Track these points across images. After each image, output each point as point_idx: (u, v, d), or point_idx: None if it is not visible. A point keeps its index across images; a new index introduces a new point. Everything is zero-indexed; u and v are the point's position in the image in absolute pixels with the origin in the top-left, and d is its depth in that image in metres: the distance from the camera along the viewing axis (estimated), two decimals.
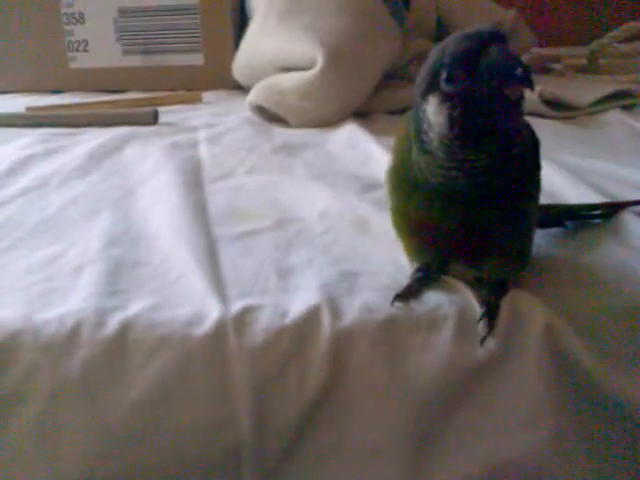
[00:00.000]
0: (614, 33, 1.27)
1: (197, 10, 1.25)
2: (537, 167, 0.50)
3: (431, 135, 0.45)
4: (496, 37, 0.43)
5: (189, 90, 1.24)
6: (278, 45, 1.01)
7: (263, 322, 0.48)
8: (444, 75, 0.43)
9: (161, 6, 1.26)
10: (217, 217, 0.65)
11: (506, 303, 0.49)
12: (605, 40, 1.28)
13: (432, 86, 0.45)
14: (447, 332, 0.48)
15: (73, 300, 0.51)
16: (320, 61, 0.93)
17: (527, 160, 0.47)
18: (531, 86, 0.41)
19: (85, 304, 0.50)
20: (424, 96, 0.45)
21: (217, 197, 0.70)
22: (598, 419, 0.49)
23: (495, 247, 0.49)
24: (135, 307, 0.50)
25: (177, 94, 1.19)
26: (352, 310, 0.49)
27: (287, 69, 0.99)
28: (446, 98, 0.44)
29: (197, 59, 1.28)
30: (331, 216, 0.65)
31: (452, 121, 0.44)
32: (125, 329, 0.48)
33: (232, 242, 0.60)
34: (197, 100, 1.17)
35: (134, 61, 1.30)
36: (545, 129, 0.91)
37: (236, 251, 0.59)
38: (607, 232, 0.60)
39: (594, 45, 1.31)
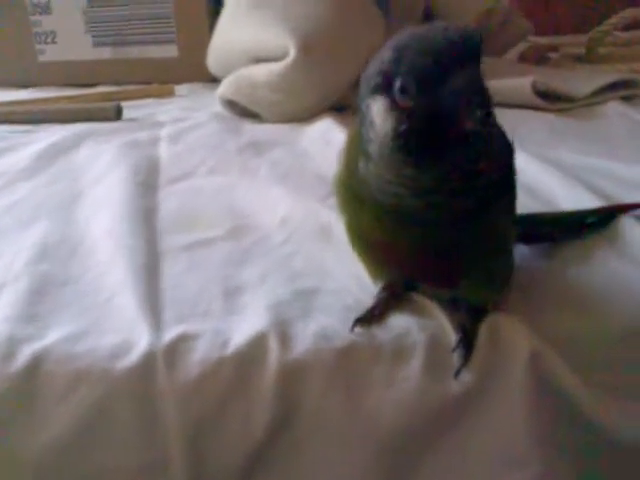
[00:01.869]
0: (613, 20, 1.19)
1: None
2: (512, 172, 0.43)
3: (372, 135, 0.39)
4: (469, 57, 0.35)
5: (164, 83, 1.17)
6: (250, 34, 0.93)
7: (200, 352, 0.42)
8: (398, 84, 0.36)
9: None
10: (166, 224, 0.59)
11: (485, 328, 0.43)
12: (604, 28, 1.20)
13: (382, 87, 0.37)
14: (416, 363, 0.42)
15: None
16: (292, 51, 0.85)
17: (498, 173, 0.40)
18: (485, 130, 0.35)
19: None
20: (372, 92, 0.38)
21: (170, 201, 0.63)
22: (592, 457, 0.43)
23: (465, 269, 0.42)
24: (53, 335, 0.43)
25: (146, 88, 1.11)
26: (305, 337, 0.43)
27: (260, 60, 0.92)
28: (395, 106, 0.37)
29: (171, 50, 1.20)
30: (292, 223, 0.58)
31: (397, 134, 0.37)
32: (38, 361, 0.42)
33: (178, 254, 0.53)
34: (169, 94, 1.10)
35: (105, 53, 1.22)
36: (537, 123, 0.85)
37: (181, 265, 0.52)
38: (603, 241, 0.53)
39: (593, 33, 1.23)
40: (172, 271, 0.51)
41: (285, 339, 0.42)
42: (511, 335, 0.42)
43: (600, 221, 0.55)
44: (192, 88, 1.16)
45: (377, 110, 0.38)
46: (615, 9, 1.24)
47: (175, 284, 0.49)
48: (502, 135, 0.41)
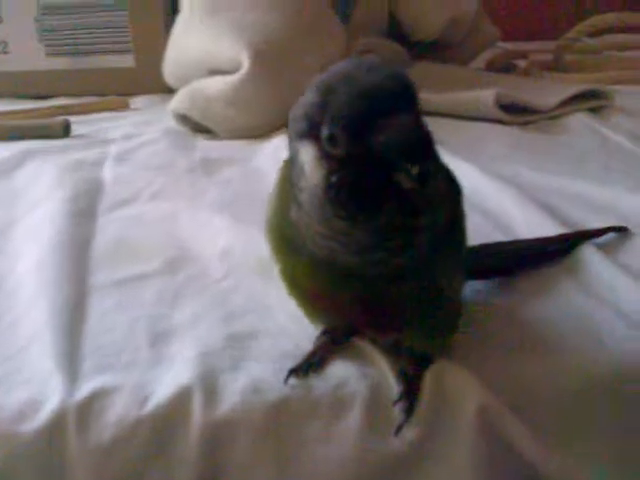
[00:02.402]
0: (580, 27, 1.16)
1: (125, 6, 1.13)
2: (459, 219, 0.39)
3: (302, 183, 0.35)
4: (401, 102, 0.32)
5: (121, 94, 1.12)
6: (204, 44, 0.89)
7: (116, 410, 0.38)
8: (326, 133, 0.32)
9: (86, 2, 1.14)
10: (100, 257, 0.55)
11: (429, 378, 0.39)
12: (571, 35, 1.17)
13: (309, 133, 0.34)
14: (354, 418, 0.39)
15: None
16: (245, 63, 0.82)
17: (442, 225, 0.36)
18: (422, 187, 0.31)
19: None
20: (299, 137, 0.34)
21: (108, 231, 0.59)
22: None
23: (408, 320, 0.39)
24: None
25: (99, 101, 1.06)
26: (233, 391, 0.39)
27: (215, 72, 0.88)
28: (325, 155, 0.33)
29: (127, 60, 1.16)
30: (234, 255, 0.54)
31: (328, 185, 0.33)
32: None
33: (108, 291, 0.50)
34: (123, 106, 1.05)
35: (59, 63, 1.18)
36: (499, 138, 0.82)
37: (109, 304, 0.48)
38: (563, 273, 0.49)
39: (561, 40, 1.20)
40: (98, 312, 0.47)
41: (211, 394, 0.38)
42: (458, 386, 0.39)
43: (561, 250, 0.52)
44: (149, 100, 1.11)
45: (306, 157, 0.34)
46: (585, 16, 1.22)
47: (100, 328, 0.45)
48: (448, 179, 0.38)
